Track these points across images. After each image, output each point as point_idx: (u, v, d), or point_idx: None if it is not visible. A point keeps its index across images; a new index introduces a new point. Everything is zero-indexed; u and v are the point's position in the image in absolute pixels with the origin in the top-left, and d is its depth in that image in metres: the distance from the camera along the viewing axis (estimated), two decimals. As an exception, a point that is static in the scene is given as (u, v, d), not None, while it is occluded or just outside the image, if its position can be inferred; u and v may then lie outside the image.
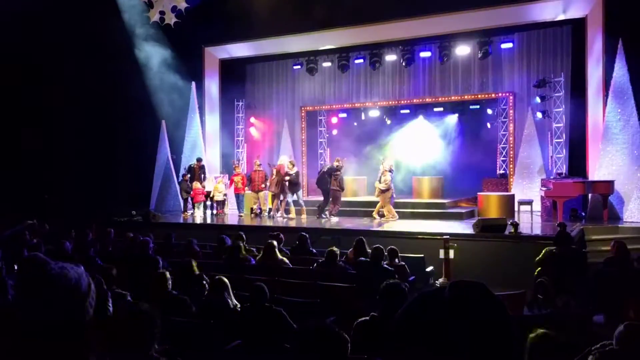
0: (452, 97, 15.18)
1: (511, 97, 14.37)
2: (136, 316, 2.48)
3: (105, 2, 14.23)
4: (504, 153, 14.79)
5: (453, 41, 14.33)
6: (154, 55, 14.77)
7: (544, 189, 11.63)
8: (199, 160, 14.93)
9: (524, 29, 13.96)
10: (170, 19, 13.83)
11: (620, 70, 11.25)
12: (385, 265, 6.54)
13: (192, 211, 14.32)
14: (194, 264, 5.64)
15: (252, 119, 17.50)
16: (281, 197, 13.13)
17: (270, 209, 13.52)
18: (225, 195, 14.47)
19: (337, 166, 12.58)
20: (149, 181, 15.83)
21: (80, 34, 13.56)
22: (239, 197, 13.92)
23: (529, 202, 12.19)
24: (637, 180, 10.89)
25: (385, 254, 6.75)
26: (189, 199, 14.30)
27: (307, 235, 8.45)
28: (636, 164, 10.97)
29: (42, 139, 14.70)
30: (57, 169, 14.72)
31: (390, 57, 15.22)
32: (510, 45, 13.90)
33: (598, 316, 5.67)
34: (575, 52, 13.34)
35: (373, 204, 12.57)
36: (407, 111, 16.81)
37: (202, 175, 14.64)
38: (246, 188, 13.83)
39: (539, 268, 7.14)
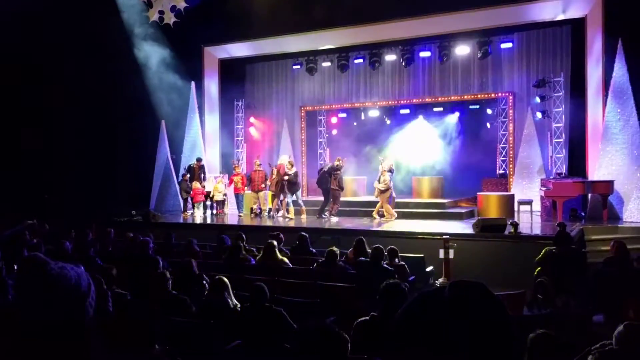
0: (452, 97, 15.18)
1: (511, 97, 14.37)
2: (137, 315, 2.48)
3: (105, 2, 14.22)
4: (503, 153, 14.79)
5: (453, 41, 14.33)
6: (153, 55, 14.77)
7: (543, 188, 11.63)
8: (199, 160, 14.93)
9: (523, 29, 13.96)
10: (170, 19, 13.84)
11: (619, 70, 11.25)
12: (385, 265, 6.54)
13: (192, 211, 14.32)
14: (194, 263, 5.64)
15: (252, 119, 17.50)
16: (281, 197, 13.13)
17: (270, 209, 13.52)
18: (225, 195, 14.47)
19: (337, 165, 12.59)
20: (149, 181, 15.82)
21: (80, 34, 13.56)
22: (238, 197, 13.93)
23: (529, 202, 12.19)
24: (636, 180, 10.89)
25: (385, 253, 6.75)
26: (189, 198, 14.31)
27: (307, 235, 8.45)
28: (636, 164, 10.97)
29: (42, 139, 14.70)
30: (57, 169, 14.72)
31: (390, 57, 15.21)
32: (509, 45, 13.90)
33: (598, 316, 5.67)
34: (575, 52, 13.34)
35: (373, 204, 12.57)
36: (407, 111, 16.80)
37: (202, 175, 14.64)
38: (246, 188, 13.83)
39: (539, 268, 7.15)
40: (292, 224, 12.10)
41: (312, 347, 1.83)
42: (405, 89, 15.65)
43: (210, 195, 14.39)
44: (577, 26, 13.13)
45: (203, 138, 16.36)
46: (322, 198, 13.02)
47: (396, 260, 7.15)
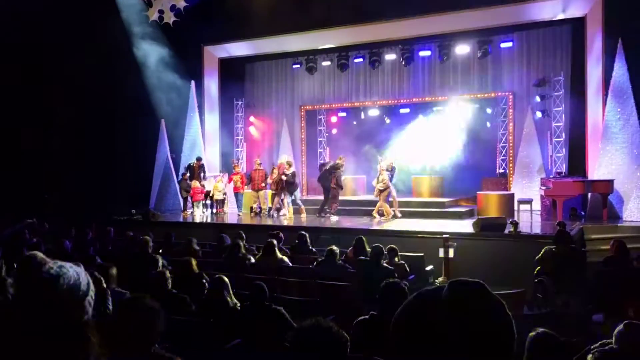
0: (452, 96, 15.16)
1: (511, 96, 14.36)
2: (138, 312, 2.47)
3: (105, 1, 14.21)
4: (503, 152, 14.79)
5: (453, 40, 14.32)
6: (153, 54, 14.76)
7: (543, 188, 11.63)
8: (199, 159, 14.93)
9: (523, 28, 13.95)
10: (169, 18, 13.84)
11: (619, 70, 11.24)
12: (385, 264, 6.55)
13: (191, 210, 14.33)
14: (194, 262, 5.64)
15: (252, 118, 17.50)
16: (282, 196, 13.14)
17: (270, 208, 13.53)
18: (225, 194, 14.47)
19: (337, 164, 12.60)
20: (149, 180, 15.82)
21: (80, 34, 13.55)
22: (237, 196, 13.94)
23: (529, 201, 12.19)
24: (636, 179, 10.89)
25: (385, 252, 6.75)
26: (189, 198, 14.32)
27: (307, 234, 8.45)
28: (636, 163, 10.97)
29: (42, 139, 14.69)
30: (57, 169, 14.72)
31: (390, 56, 15.21)
32: (509, 44, 13.89)
33: (597, 315, 5.66)
34: (575, 52, 13.34)
35: (372, 203, 12.57)
36: (407, 110, 16.80)
37: (202, 174, 14.65)
38: (246, 187, 13.85)
39: (539, 267, 7.15)
40: (290, 223, 12.10)
41: (311, 346, 1.83)
42: (405, 88, 15.64)
43: (210, 195, 14.40)
44: (577, 25, 13.13)
45: (203, 137, 16.36)
46: (321, 197, 13.02)
47: (396, 259, 7.16)
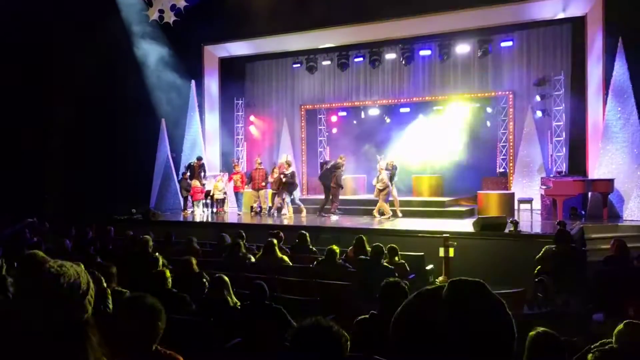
0: (452, 96, 15.16)
1: (511, 96, 14.36)
2: (139, 310, 2.47)
3: (105, 1, 14.20)
4: (503, 151, 14.79)
5: (453, 40, 14.32)
6: (153, 53, 14.76)
7: (543, 187, 11.63)
8: (199, 158, 14.94)
9: (523, 28, 13.94)
10: (170, 18, 13.82)
11: (620, 69, 11.23)
12: (385, 264, 6.54)
13: (192, 209, 14.34)
14: (194, 262, 5.64)
15: (252, 118, 17.50)
16: (283, 196, 13.14)
17: (270, 207, 13.53)
18: (225, 193, 14.48)
19: (337, 163, 12.60)
20: (149, 179, 15.83)
21: (80, 34, 13.54)
22: (237, 196, 13.95)
23: (529, 201, 12.18)
24: (637, 178, 10.89)
25: (385, 252, 6.75)
26: (189, 197, 14.32)
27: (307, 234, 8.45)
28: (636, 163, 10.96)
29: (42, 139, 14.68)
30: (57, 169, 14.71)
31: (390, 56, 15.21)
32: (510, 43, 13.88)
33: (598, 315, 5.66)
34: (575, 51, 13.33)
35: (373, 203, 12.57)
36: (407, 110, 16.80)
37: (202, 174, 14.66)
38: (246, 186, 13.86)
39: (539, 266, 7.14)
40: (290, 222, 12.10)
41: (311, 345, 1.83)
42: (405, 87, 15.64)
43: (211, 194, 14.41)
44: (577, 25, 13.12)
45: (203, 136, 16.36)
46: (321, 196, 13.02)
47: (396, 258, 7.15)
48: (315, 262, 7.09)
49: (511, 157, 14.32)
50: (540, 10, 12.93)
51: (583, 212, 11.69)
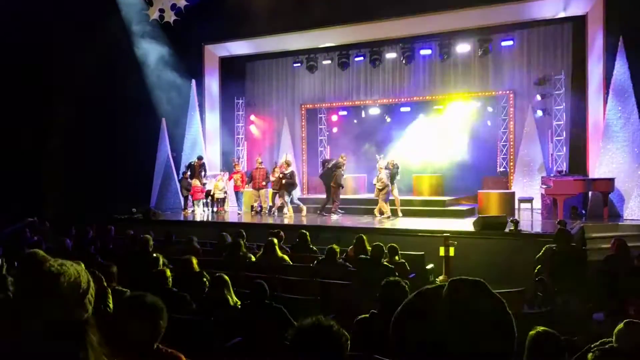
0: (452, 95, 15.16)
1: (511, 95, 14.35)
2: (140, 309, 2.46)
3: (105, 0, 14.19)
4: (504, 151, 14.79)
5: (453, 39, 14.32)
6: (153, 53, 14.75)
7: (544, 186, 11.63)
8: (200, 158, 14.94)
9: (524, 27, 13.95)
10: (170, 17, 13.82)
11: (620, 68, 11.22)
12: (386, 263, 6.54)
13: (192, 209, 14.35)
14: (194, 261, 5.64)
15: (252, 117, 17.51)
16: (284, 196, 13.14)
17: (270, 206, 13.53)
18: (225, 192, 14.49)
19: (338, 163, 12.60)
20: (149, 179, 15.84)
21: (80, 33, 13.53)
22: (238, 195, 13.95)
23: (529, 200, 12.18)
24: (637, 178, 10.88)
25: (386, 251, 6.75)
26: (189, 196, 14.33)
27: (307, 233, 8.45)
28: (636, 162, 10.95)
29: (42, 139, 14.68)
30: (58, 169, 14.71)
31: (391, 55, 15.21)
32: (510, 43, 13.88)
33: (598, 314, 5.66)
34: (576, 50, 13.32)
35: (373, 202, 12.57)
36: (408, 109, 16.80)
37: (203, 173, 14.66)
38: (246, 186, 13.86)
39: (539, 266, 7.14)
40: (291, 221, 12.10)
41: (311, 345, 1.83)
42: (406, 86, 15.64)
43: (211, 193, 14.42)
44: (578, 24, 13.12)
45: (203, 136, 16.37)
46: (322, 196, 13.02)
47: (396, 257, 7.15)
48: (315, 262, 7.09)
49: (511, 157, 14.32)
50: (541, 9, 12.93)
51: (583, 212, 11.68)
